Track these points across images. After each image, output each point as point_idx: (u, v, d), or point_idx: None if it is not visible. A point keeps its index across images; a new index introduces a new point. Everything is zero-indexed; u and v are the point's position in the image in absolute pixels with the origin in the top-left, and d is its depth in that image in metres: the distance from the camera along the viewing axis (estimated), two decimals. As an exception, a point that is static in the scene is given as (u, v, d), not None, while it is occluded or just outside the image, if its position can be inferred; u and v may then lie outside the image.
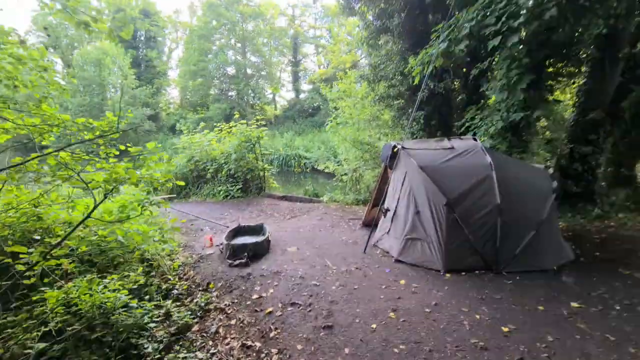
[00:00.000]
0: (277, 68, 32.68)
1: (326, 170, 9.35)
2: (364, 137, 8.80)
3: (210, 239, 4.34)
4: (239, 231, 4.90)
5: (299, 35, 31.81)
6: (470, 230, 3.68)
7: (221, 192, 8.85)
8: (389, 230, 4.32)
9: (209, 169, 9.17)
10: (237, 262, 3.89)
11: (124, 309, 2.73)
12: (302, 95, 32.23)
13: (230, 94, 30.96)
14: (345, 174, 9.11)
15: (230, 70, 30.29)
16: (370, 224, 5.25)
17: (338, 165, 9.41)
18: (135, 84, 29.47)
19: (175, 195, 8.66)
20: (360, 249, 4.44)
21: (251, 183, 9.25)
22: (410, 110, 7.23)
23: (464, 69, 6.70)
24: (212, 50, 28.27)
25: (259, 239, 4.32)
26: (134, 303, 2.83)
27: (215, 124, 10.00)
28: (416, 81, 5.43)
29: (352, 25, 23.64)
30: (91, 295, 2.58)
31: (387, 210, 4.35)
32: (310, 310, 2.97)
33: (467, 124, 5.99)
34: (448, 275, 3.56)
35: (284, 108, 32.75)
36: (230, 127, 9.27)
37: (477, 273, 3.61)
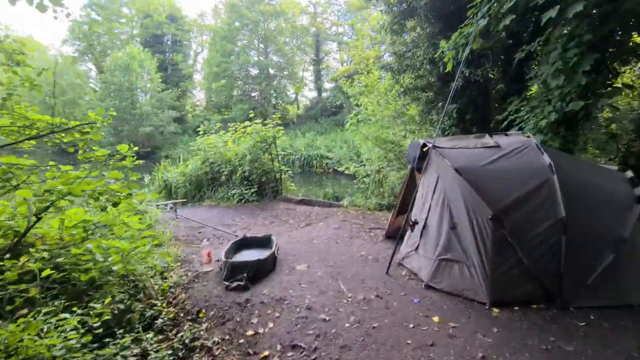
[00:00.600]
0: (299, 67, 32.28)
1: (346, 172, 8.64)
2: (387, 135, 8.01)
3: (209, 255, 3.79)
4: (243, 244, 4.32)
5: (320, 32, 31.20)
6: (524, 250, 2.86)
7: (235, 196, 8.38)
8: (417, 247, 3.56)
9: (223, 172, 8.74)
10: (235, 284, 3.30)
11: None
12: (324, 94, 31.64)
13: (253, 94, 30.94)
14: (368, 175, 8.35)
15: (253, 71, 30.24)
16: (395, 235, 4.52)
17: (359, 167, 8.67)
18: (162, 87, 30.15)
19: (184, 200, 8.29)
20: (382, 268, 3.72)
21: (267, 186, 8.72)
22: (440, 104, 6.37)
23: (502, 57, 5.75)
24: (234, 52, 28.27)
25: (263, 255, 3.71)
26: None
27: (236, 125, 9.57)
28: (448, 68, 4.61)
29: (375, 20, 22.71)
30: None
31: (415, 222, 3.59)
32: (315, 358, 2.31)
33: (510, 118, 5.07)
34: (496, 310, 2.76)
35: (306, 107, 32.30)
36: (245, 127, 8.78)
37: (534, 308, 2.79)
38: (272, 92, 29.82)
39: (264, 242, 4.38)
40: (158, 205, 6.80)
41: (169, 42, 35.05)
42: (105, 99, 28.50)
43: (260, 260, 3.54)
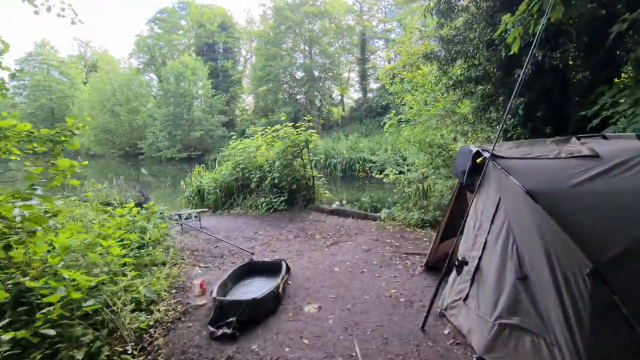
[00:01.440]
0: (344, 68, 31.51)
1: (385, 180, 7.63)
2: (434, 138, 6.85)
3: (201, 285, 3.17)
4: (248, 269, 3.65)
5: (366, 31, 30.10)
6: (648, 328, 1.75)
7: (263, 205, 7.85)
8: (466, 297, 2.55)
9: (253, 178, 8.27)
10: (220, 332, 2.61)
11: None
12: (369, 94, 30.47)
13: (298, 97, 30.91)
14: (410, 183, 7.23)
15: (298, 74, 30.19)
16: (438, 267, 3.52)
17: (398, 173, 7.60)
18: (212, 93, 31.46)
19: (205, 210, 7.94)
20: (417, 318, 2.77)
21: (298, 194, 8.06)
22: (501, 98, 5.13)
23: (586, 36, 4.37)
24: (279, 55, 28.41)
25: (262, 291, 2.98)
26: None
27: (266, 128, 9.11)
28: (514, 49, 3.47)
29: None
30: None
31: (464, 262, 2.59)
32: None
33: (603, 114, 3.75)
34: None
35: (351, 109, 31.41)
36: (276, 131, 8.21)
37: None
38: (316, 94, 29.47)
39: (273, 268, 3.66)
40: (180, 215, 6.49)
41: (220, 50, 36.61)
42: (162, 106, 30.54)
43: (256, 300, 2.81)
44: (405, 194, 7.13)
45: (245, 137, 9.33)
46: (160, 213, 5.47)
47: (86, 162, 2.81)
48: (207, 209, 8.03)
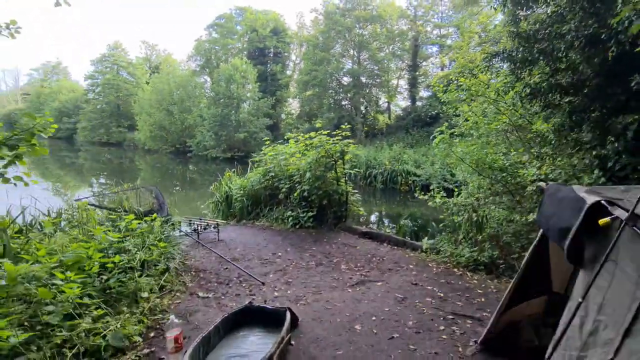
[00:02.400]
0: (393, 74, 30.17)
1: (430, 203, 6.49)
2: (495, 159, 5.62)
3: (177, 340, 2.46)
4: (243, 317, 2.89)
5: (420, 36, 28.54)
6: None
7: (290, 219, 7.13)
8: None
9: (282, 188, 7.61)
10: None
11: None
12: (418, 103, 28.81)
13: (343, 103, 30.22)
14: (463, 208, 6.00)
15: (345, 79, 29.52)
16: (504, 347, 2.49)
17: (446, 196, 6.43)
18: (259, 96, 31.97)
19: (225, 222, 7.37)
20: None
21: (328, 210, 7.21)
22: (596, 114, 3.85)
23: None
24: (327, 60, 27.95)
25: (258, 350, 2.18)
26: None
27: (299, 135, 8.44)
28: (633, 29, 2.33)
29: (486, 16, 19.23)
30: None
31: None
32: None
33: None
34: None
35: (398, 117, 29.97)
36: (309, 138, 7.46)
37: None
38: (362, 100, 28.53)
39: (275, 318, 2.85)
40: (196, 226, 5.98)
41: (270, 54, 37.28)
42: (211, 107, 31.66)
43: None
44: (454, 223, 5.95)
45: (279, 143, 8.74)
46: (172, 224, 4.97)
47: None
48: (225, 221, 7.49)
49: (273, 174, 8.03)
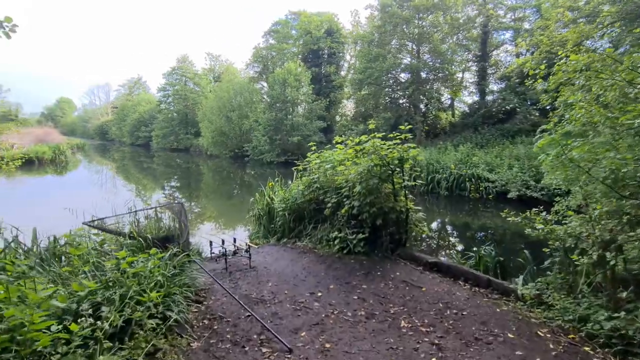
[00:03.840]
0: (458, 67, 27.14)
1: (528, 232, 4.68)
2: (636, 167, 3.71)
3: None
4: None
5: (489, 22, 25.18)
6: None
7: (336, 242, 5.90)
8: None
9: (328, 202, 6.43)
10: None
11: None
12: (489, 97, 25.44)
13: (400, 101, 28.15)
14: (577, 236, 4.14)
15: (402, 76, 27.41)
16: None
17: (544, 220, 4.59)
18: (312, 98, 31.43)
19: (261, 243, 6.36)
20: None
21: (383, 231, 5.82)
22: None
23: None
24: (382, 56, 26.18)
25: None
26: None
27: (347, 139, 7.19)
28: None
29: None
30: None
31: None
32: None
33: None
34: None
35: (463, 114, 26.91)
36: (359, 143, 6.15)
37: None
38: (421, 97, 26.14)
39: None
40: (225, 250, 5.08)
41: (325, 56, 36.62)
42: (266, 111, 31.99)
43: None
44: (566, 253, 4.13)
45: (326, 148, 7.60)
46: (187, 254, 4.08)
47: None
48: (258, 243, 6.53)
49: (318, 186, 6.90)
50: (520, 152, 15.82)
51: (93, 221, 4.08)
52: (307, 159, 7.52)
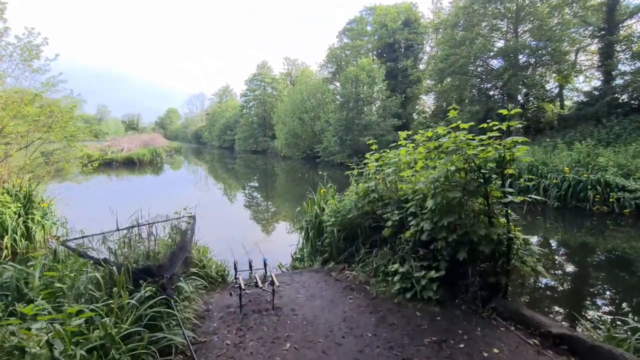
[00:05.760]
0: (572, 47, 21.83)
1: None
2: None
3: None
4: None
5: (621, -17, 19.52)
6: None
7: (397, 278, 4.16)
8: None
9: (388, 219, 4.73)
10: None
11: None
12: (618, 81, 19.72)
13: (491, 93, 24.09)
14: None
15: (495, 63, 23.32)
16: None
17: None
18: (386, 95, 29.21)
19: (299, 267, 4.89)
20: None
21: (472, 269, 3.87)
22: None
23: None
24: (471, 40, 22.59)
25: None
26: None
27: (416, 134, 5.31)
28: None
29: None
30: None
31: None
32: None
33: None
34: None
35: (577, 104, 21.58)
36: (431, 139, 4.29)
37: None
38: (519, 86, 21.74)
39: None
40: (241, 282, 3.81)
41: (401, 49, 34.00)
42: (337, 111, 30.90)
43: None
44: None
45: (391, 147, 5.88)
46: (176, 288, 2.91)
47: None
48: (295, 269, 5.11)
49: (376, 196, 5.24)
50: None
51: (76, 238, 3.24)
52: (365, 161, 5.91)
